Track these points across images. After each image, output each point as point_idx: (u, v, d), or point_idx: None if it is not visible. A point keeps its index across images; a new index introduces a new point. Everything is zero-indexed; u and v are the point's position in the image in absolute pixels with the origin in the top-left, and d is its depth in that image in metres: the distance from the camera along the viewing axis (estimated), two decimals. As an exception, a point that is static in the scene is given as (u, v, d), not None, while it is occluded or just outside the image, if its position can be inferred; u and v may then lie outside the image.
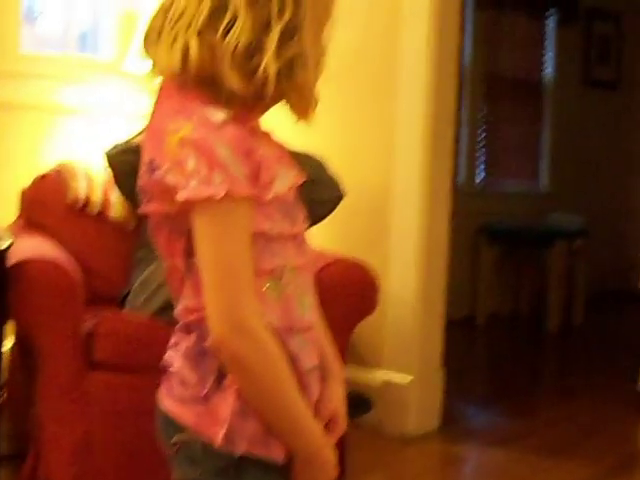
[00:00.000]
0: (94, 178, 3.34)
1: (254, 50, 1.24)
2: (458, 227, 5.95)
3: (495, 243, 6.26)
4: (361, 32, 3.82)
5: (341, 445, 3.13)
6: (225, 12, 1.25)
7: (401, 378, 3.68)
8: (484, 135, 6.58)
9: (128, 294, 3.10)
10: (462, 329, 5.94)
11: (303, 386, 1.34)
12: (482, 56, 6.46)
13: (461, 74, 6.18)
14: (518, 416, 4.14)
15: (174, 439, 1.34)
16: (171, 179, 1.25)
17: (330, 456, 1.36)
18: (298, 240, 1.37)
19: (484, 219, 6.28)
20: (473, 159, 6.49)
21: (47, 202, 3.34)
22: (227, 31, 1.24)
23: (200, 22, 1.25)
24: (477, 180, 6.58)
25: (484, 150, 6.59)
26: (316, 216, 3.24)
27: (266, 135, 1.37)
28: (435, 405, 3.78)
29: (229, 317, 1.25)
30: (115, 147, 3.21)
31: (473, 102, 6.42)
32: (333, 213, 3.30)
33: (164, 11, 1.29)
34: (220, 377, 1.31)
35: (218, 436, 1.29)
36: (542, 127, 7.13)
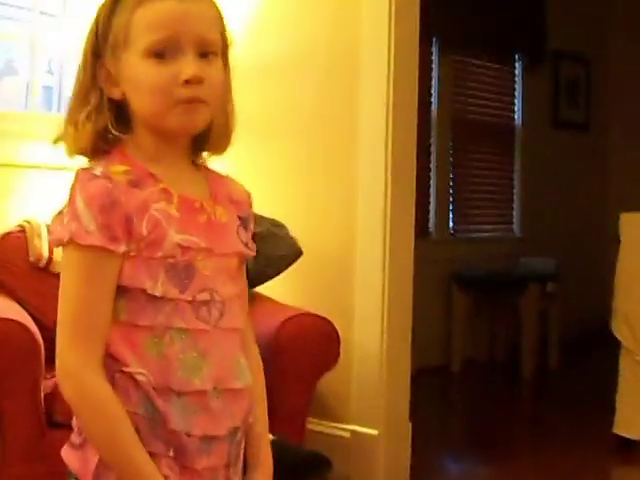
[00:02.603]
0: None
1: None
2: (430, 274, 5.96)
3: (468, 289, 6.24)
4: (319, 90, 3.83)
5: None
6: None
7: (368, 432, 3.63)
8: (454, 181, 6.58)
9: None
10: (437, 376, 5.91)
11: (175, 446, 1.33)
12: (450, 102, 6.49)
13: (429, 121, 6.24)
14: (493, 464, 4.08)
15: None
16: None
17: None
18: (196, 305, 1.36)
19: (456, 266, 6.28)
20: (444, 206, 6.48)
21: (9, 261, 3.32)
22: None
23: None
24: (448, 227, 6.58)
25: (455, 196, 6.59)
26: (274, 270, 3.38)
27: (181, 201, 1.37)
28: (404, 457, 3.71)
29: (59, 359, 1.33)
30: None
31: (442, 148, 6.42)
32: (297, 269, 3.35)
33: None
34: None
35: None
36: (512, 171, 7.14)
